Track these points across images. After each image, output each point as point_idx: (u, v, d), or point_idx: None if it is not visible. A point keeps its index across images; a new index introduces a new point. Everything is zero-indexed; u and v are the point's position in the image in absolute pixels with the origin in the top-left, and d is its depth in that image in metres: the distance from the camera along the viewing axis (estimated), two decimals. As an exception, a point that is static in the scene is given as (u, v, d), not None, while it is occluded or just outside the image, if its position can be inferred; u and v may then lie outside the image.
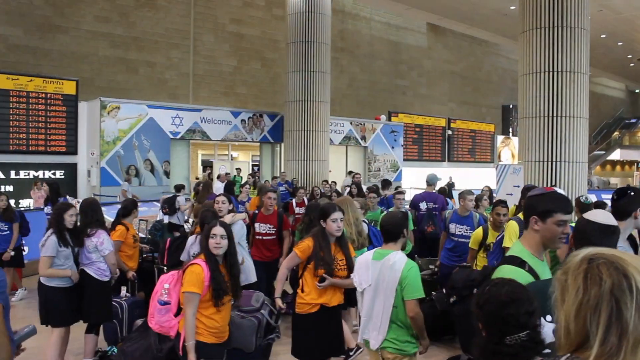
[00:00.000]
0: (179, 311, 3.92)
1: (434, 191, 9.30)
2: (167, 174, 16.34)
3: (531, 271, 2.47)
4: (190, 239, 5.29)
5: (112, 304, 5.55)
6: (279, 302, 4.59)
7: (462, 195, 7.01)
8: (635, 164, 40.56)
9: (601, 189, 24.88)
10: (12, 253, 7.92)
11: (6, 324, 2.65)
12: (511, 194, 11.31)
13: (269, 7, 23.23)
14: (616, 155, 41.77)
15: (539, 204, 2.61)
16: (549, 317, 2.18)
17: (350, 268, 4.30)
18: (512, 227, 5.18)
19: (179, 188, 11.26)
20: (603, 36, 27.11)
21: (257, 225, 6.86)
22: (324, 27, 16.59)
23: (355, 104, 26.10)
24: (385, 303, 3.70)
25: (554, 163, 11.52)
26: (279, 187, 13.60)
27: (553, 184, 11.30)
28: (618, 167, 43.78)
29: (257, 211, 7.07)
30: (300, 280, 4.43)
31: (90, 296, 5.27)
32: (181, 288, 3.80)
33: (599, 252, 1.38)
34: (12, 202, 13.85)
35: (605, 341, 1.29)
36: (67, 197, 10.60)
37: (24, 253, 8.64)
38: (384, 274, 3.72)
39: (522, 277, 2.33)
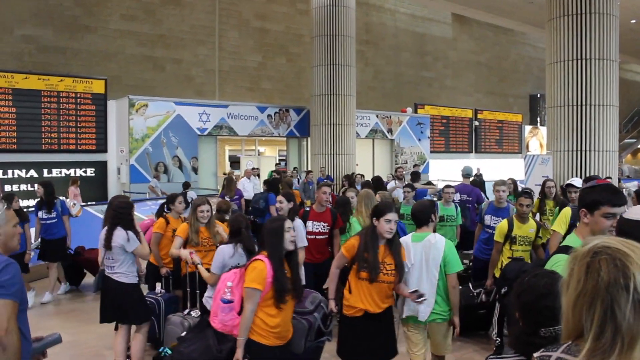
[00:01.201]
0: (241, 309, 3.79)
1: (468, 183, 9.27)
2: (195, 170, 16.48)
3: None
4: (226, 250, 4.73)
5: (148, 300, 5.60)
6: (332, 304, 4.45)
7: (494, 186, 6.96)
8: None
9: (632, 177, 24.46)
10: (32, 253, 7.86)
11: (21, 323, 2.47)
12: (540, 185, 11.19)
13: (292, 1, 23.25)
14: (648, 143, 41.05)
15: (587, 197, 2.62)
16: None
17: (400, 275, 4.10)
18: (565, 212, 5.15)
19: (186, 185, 11.31)
20: (633, 21, 26.58)
21: (309, 223, 6.17)
22: (349, 20, 16.55)
23: (381, 96, 26.02)
24: (432, 279, 4.23)
25: (583, 152, 11.38)
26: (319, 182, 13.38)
27: (582, 173, 11.16)
28: (650, 156, 43.02)
29: (307, 208, 6.44)
30: (348, 281, 4.21)
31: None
32: (243, 284, 3.72)
33: (607, 244, 1.35)
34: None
35: (599, 337, 1.29)
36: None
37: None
38: (427, 253, 4.25)
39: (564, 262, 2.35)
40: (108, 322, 5.39)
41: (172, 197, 6.52)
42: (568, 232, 5.08)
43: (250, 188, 13.39)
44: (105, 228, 5.25)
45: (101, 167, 15.46)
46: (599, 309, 1.29)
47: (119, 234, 5.20)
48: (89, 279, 8.41)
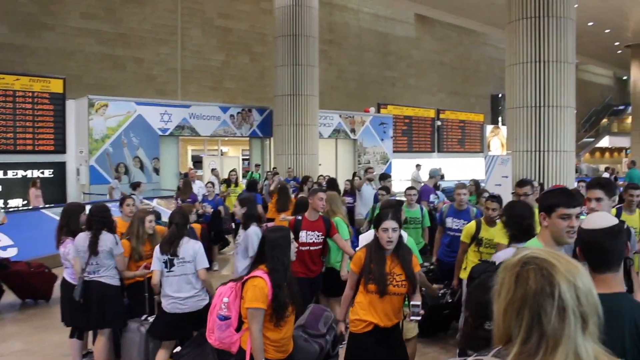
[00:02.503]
0: (239, 325, 3.72)
1: (431, 185, 9.39)
2: (156, 171, 16.31)
3: None
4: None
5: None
6: (342, 327, 4.27)
7: (454, 189, 6.98)
8: (624, 150, 40.79)
9: (590, 176, 24.98)
10: None
11: None
12: (499, 185, 11.34)
13: (256, 0, 23.16)
14: (605, 142, 42.03)
15: (544, 201, 2.72)
16: None
17: (413, 285, 3.92)
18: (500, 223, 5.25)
19: (135, 186, 11.06)
20: (590, 24, 27.13)
21: (302, 234, 5.73)
22: (311, 20, 16.58)
23: (345, 96, 26.10)
24: None
25: (541, 153, 11.59)
26: (287, 183, 12.87)
27: (541, 173, 11.37)
28: (607, 154, 44.06)
29: (299, 217, 5.89)
30: (357, 295, 4.05)
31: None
32: (242, 303, 3.58)
33: (535, 255, 1.44)
34: (0, 202, 13.92)
35: (526, 341, 1.37)
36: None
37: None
38: None
39: None
40: (92, 329, 5.39)
41: (121, 200, 6.43)
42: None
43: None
44: (86, 234, 5.21)
45: (60, 168, 15.20)
46: (527, 316, 1.37)
47: (107, 238, 5.19)
48: (9, 297, 7.86)
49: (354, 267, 4.04)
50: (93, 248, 5.13)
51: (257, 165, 17.31)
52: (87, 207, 5.72)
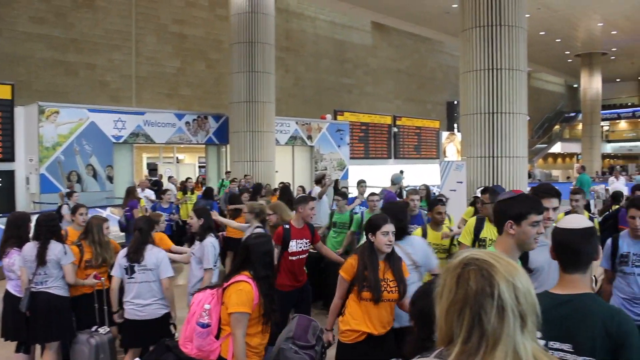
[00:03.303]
0: (218, 333, 3.66)
1: (392, 191, 9.44)
2: (110, 179, 15.98)
3: None
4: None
5: None
6: (330, 336, 4.22)
7: (407, 195, 7.06)
8: (575, 156, 41.88)
9: (543, 181, 25.51)
10: None
11: None
12: (454, 190, 11.49)
13: (212, 7, 23.00)
14: (557, 148, 43.10)
15: (511, 208, 2.66)
16: (538, 333, 2.18)
17: (402, 290, 3.90)
18: (469, 224, 5.28)
19: (69, 195, 10.90)
20: (542, 33, 27.85)
21: (292, 243, 5.60)
22: (268, 27, 16.53)
23: (302, 103, 26.11)
24: None
25: (495, 159, 11.74)
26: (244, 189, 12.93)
27: (494, 179, 11.52)
28: (559, 160, 45.18)
29: (287, 225, 5.73)
30: (347, 304, 4.01)
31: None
32: (224, 309, 3.56)
33: (475, 257, 1.48)
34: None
35: (466, 341, 1.40)
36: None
37: None
38: None
39: None
40: (39, 342, 5.24)
41: (74, 208, 6.28)
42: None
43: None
44: (34, 244, 5.10)
45: (8, 176, 14.73)
46: (467, 316, 1.41)
47: (55, 247, 5.09)
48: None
49: (345, 275, 4.00)
50: (41, 258, 5.03)
51: (227, 172, 16.87)
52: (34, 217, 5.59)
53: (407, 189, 13.84)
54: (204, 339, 3.65)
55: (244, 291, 3.48)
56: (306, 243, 5.73)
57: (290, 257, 5.58)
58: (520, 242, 2.61)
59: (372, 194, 7.81)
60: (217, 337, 3.62)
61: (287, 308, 5.29)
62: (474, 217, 5.41)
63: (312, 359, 4.06)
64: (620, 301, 4.37)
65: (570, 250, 2.27)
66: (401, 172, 20.07)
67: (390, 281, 3.88)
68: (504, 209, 2.69)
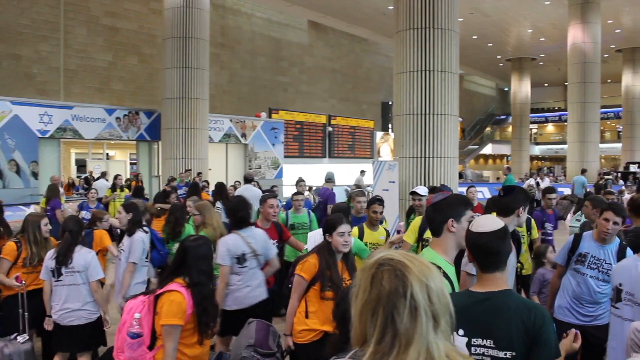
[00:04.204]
0: (152, 343, 3.39)
1: (328, 187, 9.47)
2: (35, 175, 15.41)
3: (446, 276, 2.58)
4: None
5: None
6: (289, 341, 4.08)
7: (352, 196, 6.95)
8: (505, 157, 43.22)
9: (474, 181, 26.16)
10: None
11: None
12: (387, 190, 11.61)
13: (146, 0, 22.50)
14: (488, 149, 44.39)
15: (450, 208, 2.75)
16: (461, 331, 2.26)
17: None
18: (414, 222, 5.34)
19: None
20: (475, 37, 28.61)
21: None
22: (202, 22, 16.35)
23: (236, 100, 25.89)
24: None
25: (426, 159, 11.93)
26: (179, 189, 12.42)
27: (426, 179, 11.73)
28: (490, 161, 46.53)
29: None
30: (304, 303, 3.96)
31: None
32: (157, 319, 3.31)
33: (390, 257, 1.50)
34: None
35: (380, 341, 1.42)
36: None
37: None
38: None
39: None
40: None
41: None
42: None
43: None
44: None
45: None
46: (381, 316, 1.43)
47: None
48: None
49: (305, 274, 3.95)
50: None
51: (187, 170, 15.79)
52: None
53: (367, 189, 13.98)
54: (135, 350, 3.42)
55: (175, 302, 3.28)
56: (274, 244, 5.48)
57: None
58: (461, 239, 2.67)
59: (297, 194, 7.75)
60: (151, 347, 3.39)
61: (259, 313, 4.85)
62: (419, 217, 5.43)
63: None
64: (567, 300, 4.47)
65: (487, 251, 2.34)
66: (362, 172, 20.25)
67: (347, 280, 3.92)
68: (444, 209, 2.77)
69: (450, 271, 2.67)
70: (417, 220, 5.27)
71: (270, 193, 6.93)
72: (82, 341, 4.78)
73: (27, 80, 19.17)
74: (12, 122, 14.89)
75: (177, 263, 3.50)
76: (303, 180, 10.42)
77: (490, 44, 31.31)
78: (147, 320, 3.39)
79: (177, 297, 3.29)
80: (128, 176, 18.53)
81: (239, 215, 4.97)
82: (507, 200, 3.60)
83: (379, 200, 6.05)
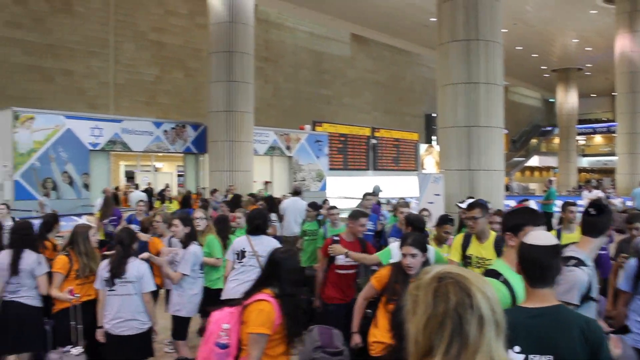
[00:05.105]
0: (238, 353, 3.41)
1: (374, 202, 9.45)
2: (86, 186, 15.79)
3: (506, 283, 2.59)
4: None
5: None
6: (357, 338, 4.13)
7: (397, 208, 6.97)
8: (552, 169, 42.41)
9: (521, 194, 25.78)
10: None
11: None
12: (432, 202, 11.52)
13: (191, 15, 22.95)
14: (534, 161, 43.64)
15: (509, 221, 2.77)
16: (517, 348, 2.21)
17: None
18: (456, 240, 5.23)
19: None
20: (519, 48, 28.27)
21: (340, 257, 5.47)
22: (247, 37, 16.55)
23: (280, 113, 26.10)
24: None
25: (472, 172, 11.82)
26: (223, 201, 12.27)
27: (471, 192, 11.59)
28: (536, 173, 45.71)
29: (336, 237, 5.66)
30: (376, 314, 3.96)
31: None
32: (244, 328, 3.31)
33: (448, 270, 1.54)
34: None
35: (447, 352, 1.45)
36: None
37: None
38: None
39: (494, 286, 2.40)
40: (9, 353, 5.16)
41: (54, 218, 6.15)
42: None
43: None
44: (8, 252, 4.99)
45: (-19, 183, 14.50)
46: (448, 328, 1.45)
47: (29, 257, 4.98)
48: None
49: (376, 283, 4.01)
50: (14, 267, 4.92)
51: (267, 183, 16.27)
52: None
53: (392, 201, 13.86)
54: None
55: (264, 311, 3.26)
56: None
57: (337, 270, 5.49)
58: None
59: (332, 207, 7.78)
60: (237, 358, 3.39)
61: (332, 322, 4.76)
62: (461, 234, 5.30)
63: None
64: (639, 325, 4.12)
65: (538, 266, 2.29)
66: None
67: None
68: (504, 222, 2.81)
69: (514, 280, 2.64)
70: (459, 238, 5.12)
71: (362, 210, 6.68)
72: (132, 351, 4.82)
73: (79, 94, 19.73)
74: (65, 135, 15.31)
75: (267, 274, 3.51)
76: (371, 194, 10.17)
77: (535, 55, 30.89)
78: (234, 331, 3.39)
79: (267, 306, 3.29)
80: (176, 188, 18.83)
81: (254, 223, 5.64)
82: (601, 219, 3.11)
83: (450, 220, 5.99)
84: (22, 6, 18.47)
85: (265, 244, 5.44)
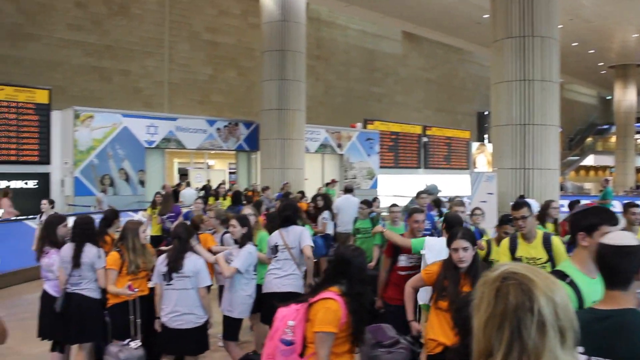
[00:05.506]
0: (303, 351, 3.38)
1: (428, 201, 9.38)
2: (142, 183, 16.21)
3: (572, 284, 2.52)
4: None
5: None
6: (415, 325, 4.12)
7: (452, 206, 6.88)
8: (608, 169, 41.18)
9: (575, 194, 25.16)
10: None
11: None
12: (485, 202, 11.37)
13: (244, 15, 23.23)
14: (589, 160, 42.42)
15: (583, 220, 2.68)
16: (580, 349, 2.13)
17: None
18: (504, 244, 5.02)
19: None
20: (575, 44, 27.54)
21: (402, 258, 5.37)
22: (299, 35, 16.66)
23: (331, 111, 26.16)
24: None
25: (526, 171, 11.63)
26: (278, 198, 12.42)
27: (525, 191, 11.40)
28: (592, 172, 44.44)
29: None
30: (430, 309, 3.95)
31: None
32: (309, 326, 3.29)
33: (514, 270, 1.48)
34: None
35: (507, 356, 1.40)
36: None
37: None
38: None
39: None
40: (71, 343, 5.31)
41: (114, 214, 6.32)
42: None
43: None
44: (71, 245, 5.17)
45: (44, 179, 15.02)
46: (507, 330, 1.41)
47: (90, 250, 5.15)
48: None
49: (425, 277, 4.05)
50: (76, 260, 5.09)
51: (333, 181, 16.56)
52: (71, 219, 5.67)
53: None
54: (287, 357, 3.40)
55: (331, 309, 3.23)
56: (417, 258, 5.33)
57: (399, 272, 5.34)
58: (593, 253, 2.53)
59: (394, 205, 7.60)
60: (302, 355, 3.36)
61: (393, 322, 4.55)
62: (508, 237, 5.09)
63: (405, 349, 3.89)
64: None
65: (606, 266, 2.24)
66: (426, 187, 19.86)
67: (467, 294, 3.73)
68: (576, 221, 2.70)
69: (582, 282, 2.57)
70: (505, 241, 4.95)
71: (418, 207, 6.63)
72: (189, 345, 4.90)
73: (135, 93, 20.25)
74: (122, 133, 15.77)
75: (334, 273, 3.47)
76: (425, 192, 10.11)
77: (592, 51, 30.02)
78: (299, 328, 3.37)
79: (333, 304, 3.26)
80: (227, 185, 19.08)
81: (283, 214, 5.88)
82: None
83: (509, 221, 5.69)
84: (82, 9, 19.07)
85: (296, 235, 5.71)
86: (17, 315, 7.82)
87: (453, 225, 4.96)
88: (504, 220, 5.93)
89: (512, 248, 4.81)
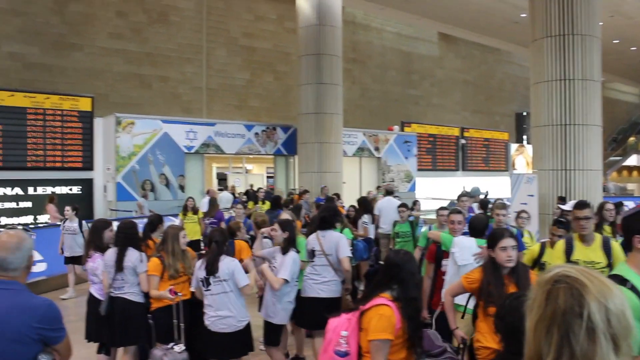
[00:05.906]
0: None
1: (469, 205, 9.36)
2: (182, 188, 16.42)
3: (634, 289, 2.45)
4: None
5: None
6: (460, 333, 4.02)
7: (493, 209, 6.75)
8: (652, 169, 40.20)
9: (618, 195, 24.63)
10: None
11: None
12: (525, 204, 11.22)
13: (280, 20, 23.40)
14: (632, 160, 41.38)
15: (638, 223, 2.60)
16: None
17: None
18: (558, 246, 4.94)
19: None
20: (616, 42, 27.00)
21: (445, 262, 5.32)
22: (335, 39, 16.68)
23: (368, 114, 26.14)
24: None
25: (567, 172, 11.42)
26: (317, 202, 12.52)
27: (567, 192, 11.21)
28: (635, 173, 43.38)
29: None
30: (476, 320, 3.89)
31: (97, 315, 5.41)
32: (364, 335, 3.22)
33: (567, 274, 1.43)
34: (30, 218, 14.14)
35: None
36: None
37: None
38: None
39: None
40: (116, 346, 5.42)
41: (158, 219, 6.43)
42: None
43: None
44: (114, 250, 5.29)
45: (87, 184, 15.37)
46: (556, 335, 1.38)
47: (132, 255, 5.25)
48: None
49: (466, 283, 3.93)
50: (119, 264, 5.20)
51: (382, 184, 16.67)
52: (115, 224, 5.79)
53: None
54: None
55: (384, 316, 3.15)
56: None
57: (444, 277, 5.28)
58: None
59: (442, 208, 7.28)
60: None
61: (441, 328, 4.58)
62: (562, 240, 4.94)
63: (453, 359, 3.79)
64: None
65: None
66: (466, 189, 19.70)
67: None
68: (630, 224, 2.61)
69: (639, 282, 2.50)
70: (560, 244, 4.82)
71: (456, 208, 6.60)
72: (233, 348, 4.93)
73: (174, 99, 20.56)
74: (162, 139, 16.00)
75: (385, 279, 3.40)
76: (466, 194, 10.05)
77: (634, 48, 29.37)
78: (353, 337, 3.30)
79: (387, 311, 3.18)
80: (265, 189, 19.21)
81: (321, 215, 5.89)
82: None
83: (560, 222, 5.62)
84: (123, 19, 19.48)
85: (334, 241, 5.66)
86: (65, 317, 7.97)
87: (478, 229, 4.93)
88: (554, 222, 5.79)
89: (568, 251, 4.69)
